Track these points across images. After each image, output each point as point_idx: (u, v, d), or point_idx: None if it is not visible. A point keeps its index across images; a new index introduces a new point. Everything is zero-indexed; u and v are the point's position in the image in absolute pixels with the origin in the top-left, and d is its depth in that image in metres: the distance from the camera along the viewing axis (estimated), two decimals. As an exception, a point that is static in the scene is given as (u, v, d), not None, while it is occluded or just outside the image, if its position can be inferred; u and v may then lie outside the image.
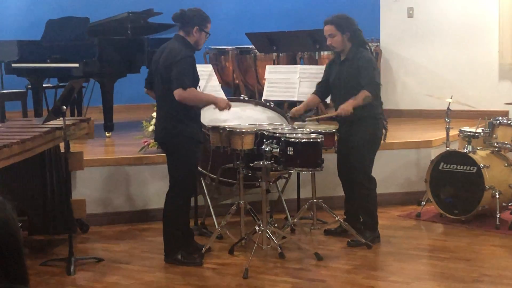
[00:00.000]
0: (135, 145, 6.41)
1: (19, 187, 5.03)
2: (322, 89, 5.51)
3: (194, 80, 4.83)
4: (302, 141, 4.90)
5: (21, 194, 5.06)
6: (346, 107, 5.14)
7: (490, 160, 5.91)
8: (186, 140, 4.84)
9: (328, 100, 5.75)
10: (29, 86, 8.01)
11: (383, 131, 5.36)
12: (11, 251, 1.81)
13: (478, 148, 6.01)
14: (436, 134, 7.01)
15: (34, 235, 5.52)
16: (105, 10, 8.55)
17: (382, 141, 5.39)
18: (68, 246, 4.85)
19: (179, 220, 4.95)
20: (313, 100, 5.59)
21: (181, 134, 4.82)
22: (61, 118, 4.81)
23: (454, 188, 5.94)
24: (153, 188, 6.09)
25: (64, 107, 4.77)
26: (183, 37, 4.88)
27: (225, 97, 5.33)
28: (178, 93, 4.70)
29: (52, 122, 5.00)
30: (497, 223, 5.68)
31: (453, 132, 6.38)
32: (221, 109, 4.99)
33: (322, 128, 5.39)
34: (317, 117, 5.91)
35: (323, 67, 5.98)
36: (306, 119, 5.55)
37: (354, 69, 5.20)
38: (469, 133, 5.99)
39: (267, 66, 6.64)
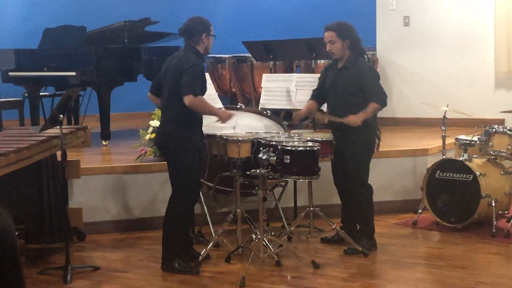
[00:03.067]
0: (132, 154, 6.41)
1: (16, 196, 5.02)
2: (319, 95, 5.53)
3: (203, 89, 4.89)
4: (299, 149, 4.92)
5: (18, 203, 5.05)
6: (356, 118, 5.15)
7: (486, 168, 5.92)
8: (186, 145, 4.85)
9: (324, 107, 5.76)
10: (26, 95, 8.01)
11: (376, 140, 5.38)
12: (7, 260, 1.82)
13: (474, 156, 6.03)
14: (432, 142, 7.03)
15: (30, 244, 5.51)
16: (102, 18, 8.57)
17: (376, 150, 5.41)
18: (65, 255, 4.85)
19: (179, 227, 4.96)
20: (312, 105, 5.60)
21: (181, 139, 4.84)
22: (58, 126, 4.81)
23: (451, 196, 5.95)
24: (150, 196, 6.09)
25: (61, 116, 4.77)
26: (193, 46, 4.95)
27: (221, 106, 5.35)
28: (188, 99, 4.74)
29: (49, 130, 5.00)
30: (494, 231, 5.69)
31: (449, 140, 6.40)
32: (223, 121, 5.06)
33: (319, 136, 5.40)
34: (323, 116, 5.82)
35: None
36: (314, 118, 5.56)
37: (353, 78, 5.22)
38: (465, 141, 6.00)
39: (263, 75, 6.66)
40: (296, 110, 5.85)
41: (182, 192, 4.91)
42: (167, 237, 4.98)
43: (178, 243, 4.97)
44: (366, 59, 5.40)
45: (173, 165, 4.96)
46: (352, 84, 5.22)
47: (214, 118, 5.15)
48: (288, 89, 5.59)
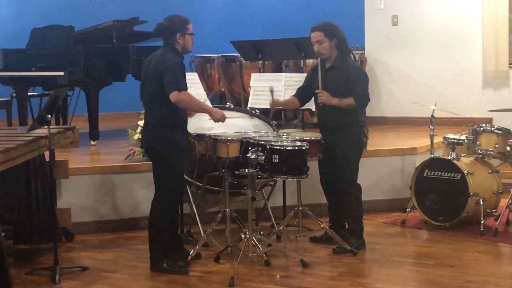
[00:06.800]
0: (120, 153, 6.40)
1: (4, 196, 5.01)
2: (302, 94, 5.53)
3: (185, 85, 4.87)
4: (287, 148, 4.92)
5: (6, 203, 5.04)
6: (331, 99, 5.19)
7: (474, 167, 5.95)
8: (171, 147, 4.85)
9: (312, 108, 5.77)
10: (14, 95, 7.99)
11: (364, 138, 5.39)
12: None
13: (462, 155, 6.05)
14: (420, 141, 7.06)
15: (19, 244, 5.49)
16: (90, 18, 8.55)
17: (364, 148, 5.42)
18: (53, 255, 4.83)
19: (165, 228, 4.95)
20: (293, 101, 5.59)
21: (166, 141, 4.84)
22: (46, 126, 4.79)
23: (439, 195, 5.97)
24: (139, 196, 6.08)
25: (49, 116, 4.76)
26: (171, 45, 4.92)
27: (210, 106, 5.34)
28: (174, 95, 4.73)
29: (37, 130, 4.98)
30: (482, 229, 5.71)
31: (437, 139, 6.42)
32: (215, 120, 5.04)
33: (308, 135, 5.40)
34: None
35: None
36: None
37: (342, 77, 5.23)
38: (453, 140, 6.03)
39: (252, 74, 6.66)
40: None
41: (166, 194, 4.91)
42: (153, 238, 4.97)
43: (164, 244, 4.96)
44: (352, 58, 5.41)
45: (158, 166, 4.95)
46: (341, 84, 5.23)
47: (205, 118, 5.15)
48: (271, 88, 5.56)
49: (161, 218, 4.93)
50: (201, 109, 5.01)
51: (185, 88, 4.81)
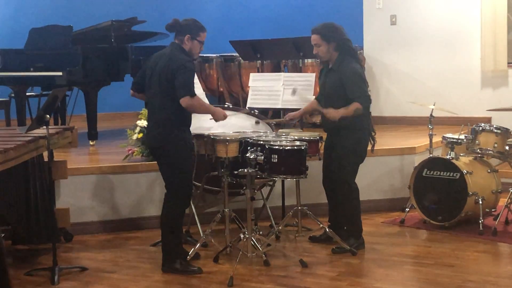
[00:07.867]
0: (119, 154, 6.40)
1: (3, 197, 5.00)
2: (319, 96, 5.52)
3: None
4: (286, 148, 4.92)
5: (5, 204, 5.03)
6: (335, 113, 5.16)
7: (473, 166, 5.95)
8: (182, 146, 4.85)
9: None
10: (13, 95, 7.98)
11: (371, 142, 5.37)
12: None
13: (461, 154, 6.05)
14: (419, 140, 7.06)
15: (17, 245, 5.49)
16: (88, 18, 8.54)
17: (371, 152, 5.40)
18: (52, 256, 4.83)
19: (177, 228, 4.95)
20: (311, 105, 5.58)
21: (177, 140, 4.83)
22: (45, 126, 4.79)
23: (438, 194, 5.97)
24: (138, 196, 6.08)
25: (48, 116, 4.75)
26: (179, 45, 4.94)
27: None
28: (186, 100, 4.73)
29: (35, 131, 4.97)
30: (481, 229, 5.71)
31: (436, 139, 6.42)
32: (217, 120, 5.06)
33: (306, 135, 5.40)
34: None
35: (307, 74, 5.99)
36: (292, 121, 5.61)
37: (337, 80, 5.21)
38: (452, 140, 6.03)
39: (251, 74, 6.65)
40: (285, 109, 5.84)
41: (181, 193, 4.90)
42: (166, 239, 4.94)
43: (178, 244, 4.96)
44: (358, 60, 5.36)
45: (169, 166, 4.90)
46: (336, 87, 5.21)
47: (203, 118, 5.16)
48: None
49: (173, 219, 4.91)
50: (207, 111, 5.03)
51: (195, 93, 4.82)
